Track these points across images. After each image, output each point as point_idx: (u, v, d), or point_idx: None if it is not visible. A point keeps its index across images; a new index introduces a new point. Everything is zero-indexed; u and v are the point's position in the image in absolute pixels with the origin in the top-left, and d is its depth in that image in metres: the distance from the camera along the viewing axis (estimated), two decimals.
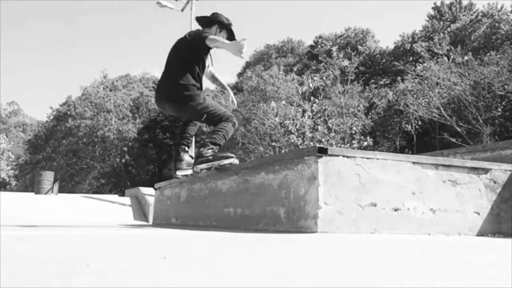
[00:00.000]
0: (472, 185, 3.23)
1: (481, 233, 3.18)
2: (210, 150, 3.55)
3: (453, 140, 21.90)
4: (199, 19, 3.91)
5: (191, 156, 3.93)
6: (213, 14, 3.91)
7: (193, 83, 3.55)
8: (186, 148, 3.91)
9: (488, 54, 25.48)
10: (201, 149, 3.59)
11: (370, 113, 26.17)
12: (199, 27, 3.91)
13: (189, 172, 3.86)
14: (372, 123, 25.43)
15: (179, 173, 3.86)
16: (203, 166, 3.58)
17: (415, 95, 23.37)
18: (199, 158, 3.59)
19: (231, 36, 3.79)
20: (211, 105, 3.65)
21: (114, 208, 10.98)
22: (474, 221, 3.19)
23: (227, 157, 3.62)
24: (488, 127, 21.44)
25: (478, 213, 3.21)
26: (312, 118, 21.76)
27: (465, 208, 3.17)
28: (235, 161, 3.66)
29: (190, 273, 1.21)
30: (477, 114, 21.61)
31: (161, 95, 3.72)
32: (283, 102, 22.06)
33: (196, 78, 3.59)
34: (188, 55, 3.60)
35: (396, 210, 2.94)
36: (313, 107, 21.94)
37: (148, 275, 1.14)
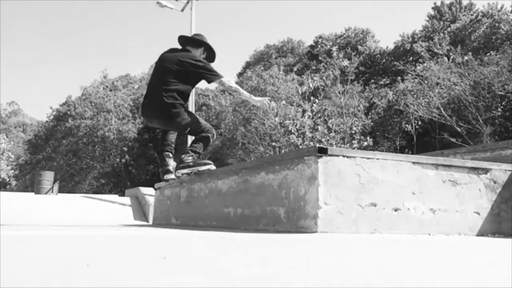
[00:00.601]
0: (472, 185, 3.23)
1: (481, 233, 3.18)
2: (190, 158, 3.98)
3: (453, 140, 21.89)
4: (185, 40, 4.23)
5: (175, 161, 4.32)
6: (197, 35, 4.30)
7: (181, 102, 3.91)
8: (170, 155, 4.30)
9: (488, 54, 25.46)
10: (183, 156, 4.00)
11: (370, 113, 26.14)
12: (187, 40, 4.28)
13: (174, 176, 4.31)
14: (372, 123, 25.41)
15: (167, 176, 4.27)
16: (185, 171, 4.02)
17: (415, 95, 23.35)
18: (180, 164, 3.99)
19: (211, 57, 4.26)
20: (194, 119, 4.05)
21: (114, 208, 10.96)
22: (474, 221, 3.19)
23: (205, 164, 4.07)
24: (488, 127, 21.43)
25: (478, 213, 3.22)
26: (312, 118, 21.74)
27: (465, 208, 3.17)
28: (212, 167, 4.10)
29: (190, 273, 1.21)
30: (477, 114, 21.60)
31: (150, 112, 4.04)
32: (283, 102, 22.04)
33: (185, 97, 3.98)
34: (189, 80, 3.96)
35: (396, 210, 2.94)
36: (313, 107, 21.92)
37: (148, 275, 1.14)
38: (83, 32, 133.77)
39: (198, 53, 4.11)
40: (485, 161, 3.72)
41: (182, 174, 4.02)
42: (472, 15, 31.90)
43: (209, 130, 4.07)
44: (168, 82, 3.85)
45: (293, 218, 2.93)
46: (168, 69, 3.89)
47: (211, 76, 3.91)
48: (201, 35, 4.30)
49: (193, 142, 4.07)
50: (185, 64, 3.87)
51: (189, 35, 4.28)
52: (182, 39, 4.21)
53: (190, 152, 3.99)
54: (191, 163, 3.96)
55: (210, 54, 4.24)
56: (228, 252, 1.78)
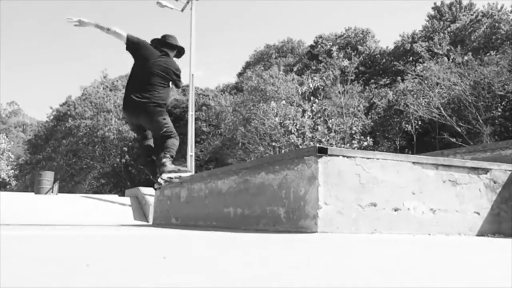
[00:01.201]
0: (472, 185, 3.23)
1: (481, 233, 3.18)
2: (169, 162, 4.29)
3: (453, 140, 21.88)
4: (161, 43, 4.62)
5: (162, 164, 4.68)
6: (171, 38, 4.71)
7: (164, 102, 4.36)
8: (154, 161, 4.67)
9: (488, 54, 25.45)
10: (164, 160, 4.29)
11: (370, 113, 26.13)
12: (169, 37, 4.74)
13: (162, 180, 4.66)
14: (372, 123, 25.39)
15: (160, 180, 4.53)
16: (171, 175, 4.31)
17: (415, 95, 23.33)
18: (165, 168, 4.27)
19: (180, 53, 4.78)
20: (169, 122, 4.41)
21: (114, 208, 10.96)
22: (474, 221, 3.19)
23: (186, 171, 4.47)
24: (488, 127, 21.42)
25: (478, 213, 3.21)
26: (312, 118, 21.72)
27: (465, 208, 3.17)
28: (192, 174, 4.65)
29: (190, 273, 1.21)
30: (477, 114, 21.60)
31: (136, 108, 4.36)
32: (283, 102, 22.03)
33: (166, 98, 4.44)
34: (168, 83, 4.46)
35: (396, 210, 2.94)
36: (313, 107, 21.90)
37: (148, 275, 1.14)
38: (83, 32, 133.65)
39: (173, 55, 4.67)
40: (485, 161, 3.72)
41: (168, 178, 4.31)
42: (472, 15, 31.88)
43: (176, 135, 4.47)
44: (153, 85, 4.32)
45: (293, 218, 2.93)
46: (155, 72, 4.36)
47: (180, 84, 4.65)
48: (174, 36, 4.83)
49: (166, 147, 4.33)
50: (169, 71, 4.43)
51: (163, 39, 4.65)
52: (157, 42, 4.62)
53: (169, 156, 4.27)
54: (175, 169, 4.29)
55: (180, 52, 4.80)
56: (228, 252, 1.78)
